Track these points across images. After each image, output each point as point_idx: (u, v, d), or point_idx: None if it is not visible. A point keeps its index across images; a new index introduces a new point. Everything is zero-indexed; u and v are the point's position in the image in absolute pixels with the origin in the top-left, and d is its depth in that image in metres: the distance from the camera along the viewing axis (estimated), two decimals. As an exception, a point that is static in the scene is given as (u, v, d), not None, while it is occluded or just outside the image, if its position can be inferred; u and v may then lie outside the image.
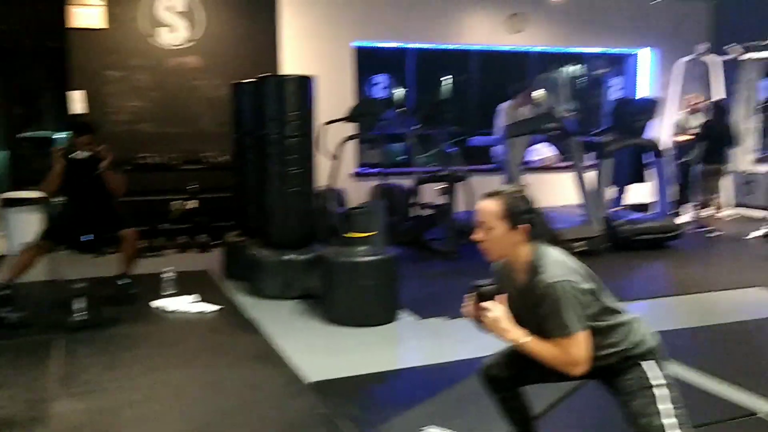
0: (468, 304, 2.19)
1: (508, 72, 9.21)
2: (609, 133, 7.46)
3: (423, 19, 8.57)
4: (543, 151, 8.54)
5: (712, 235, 7.72)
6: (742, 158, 8.94)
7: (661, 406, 2.08)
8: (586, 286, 2.10)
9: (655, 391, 2.11)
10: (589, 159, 7.44)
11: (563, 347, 2.05)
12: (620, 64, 10.03)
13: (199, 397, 3.39)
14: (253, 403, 3.32)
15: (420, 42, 8.73)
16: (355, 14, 8.25)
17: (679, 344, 4.11)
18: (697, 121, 8.07)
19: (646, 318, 5.09)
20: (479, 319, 2.17)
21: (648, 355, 2.19)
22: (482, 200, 2.19)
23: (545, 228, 2.19)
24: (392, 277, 4.68)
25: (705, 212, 8.13)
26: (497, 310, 2.10)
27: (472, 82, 9.30)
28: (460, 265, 6.22)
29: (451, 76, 9.48)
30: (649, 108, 7.59)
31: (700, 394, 3.33)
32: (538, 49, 9.24)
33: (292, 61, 7.80)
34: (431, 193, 7.03)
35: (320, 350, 4.11)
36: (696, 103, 8.27)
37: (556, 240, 2.20)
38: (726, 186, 8.76)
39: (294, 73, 5.58)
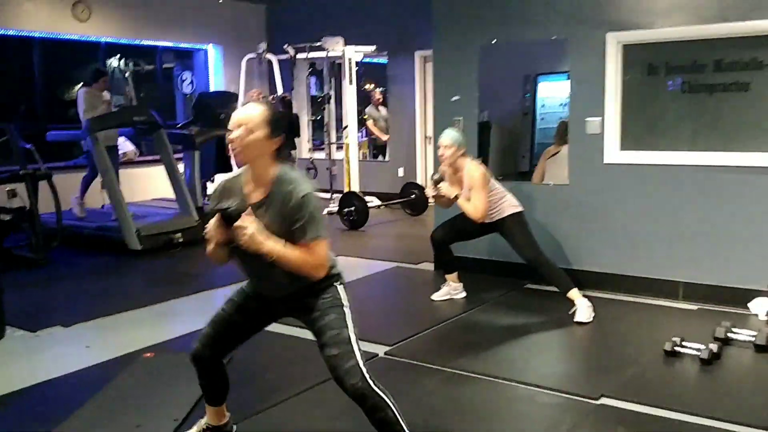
0: (212, 230, 2.28)
1: (76, 62, 8.63)
2: (192, 125, 7.61)
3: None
4: (123, 146, 8.28)
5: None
6: (303, 146, 10.06)
7: (348, 322, 2.41)
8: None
9: (345, 309, 2.44)
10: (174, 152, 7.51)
11: (313, 250, 2.29)
12: (190, 59, 10.25)
13: None
14: None
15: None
16: None
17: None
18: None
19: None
20: (227, 243, 2.29)
21: (340, 278, 2.52)
22: (247, 108, 2.33)
23: (287, 148, 2.38)
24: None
25: None
26: (251, 226, 2.22)
27: (37, 72, 8.45)
28: (52, 272, 5.71)
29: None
30: (229, 100, 7.99)
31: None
32: (107, 39, 8.86)
33: None
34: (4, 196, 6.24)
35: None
36: (258, 98, 8.66)
37: (292, 162, 2.40)
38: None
39: None
